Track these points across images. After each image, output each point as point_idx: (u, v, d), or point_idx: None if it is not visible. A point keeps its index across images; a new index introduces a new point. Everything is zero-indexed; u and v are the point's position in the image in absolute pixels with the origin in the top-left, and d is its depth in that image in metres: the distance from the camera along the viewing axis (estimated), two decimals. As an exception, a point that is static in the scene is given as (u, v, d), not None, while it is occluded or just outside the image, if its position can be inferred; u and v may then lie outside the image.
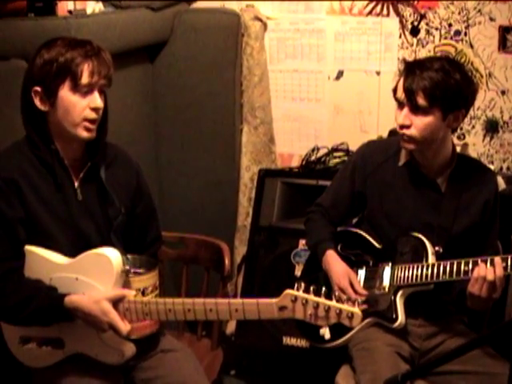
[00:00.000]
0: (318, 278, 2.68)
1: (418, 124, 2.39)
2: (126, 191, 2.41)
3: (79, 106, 2.16)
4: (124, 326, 2.11)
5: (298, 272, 3.25)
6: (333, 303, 1.96)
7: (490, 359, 2.41)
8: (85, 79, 2.14)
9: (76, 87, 2.15)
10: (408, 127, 2.41)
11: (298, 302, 1.98)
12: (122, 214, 2.37)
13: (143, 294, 2.23)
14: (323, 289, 1.99)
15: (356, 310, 1.95)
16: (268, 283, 3.46)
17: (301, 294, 1.99)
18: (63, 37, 2.24)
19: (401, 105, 2.43)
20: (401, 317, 2.46)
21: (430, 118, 2.38)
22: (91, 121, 2.19)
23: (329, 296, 1.99)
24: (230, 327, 3.73)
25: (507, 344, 1.72)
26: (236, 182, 3.87)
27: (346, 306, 1.95)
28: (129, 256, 2.33)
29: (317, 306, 1.96)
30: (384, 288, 2.53)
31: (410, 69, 2.41)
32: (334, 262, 2.62)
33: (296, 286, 1.99)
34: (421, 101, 2.35)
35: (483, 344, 1.48)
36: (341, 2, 3.70)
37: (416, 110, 2.38)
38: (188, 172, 3.84)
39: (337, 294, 2.00)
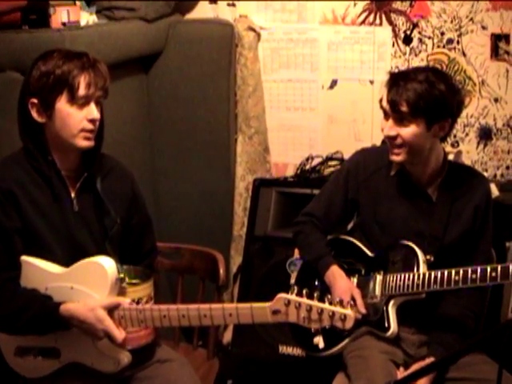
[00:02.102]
0: (311, 286, 2.68)
1: (403, 134, 2.41)
2: (121, 202, 2.42)
3: (76, 118, 2.18)
4: (119, 334, 2.11)
5: (292, 280, 3.25)
6: (326, 306, 1.98)
7: (485, 366, 2.41)
8: (82, 91, 2.16)
9: (73, 99, 2.16)
10: (394, 138, 2.43)
11: (291, 305, 2.00)
12: (118, 224, 2.39)
13: (137, 304, 2.24)
14: (316, 292, 2.00)
15: (349, 311, 1.96)
16: (264, 292, 3.42)
17: (294, 297, 2.00)
18: (60, 49, 2.26)
19: (386, 115, 2.46)
20: (393, 326, 2.48)
21: (414, 127, 2.40)
22: (89, 131, 2.21)
23: (322, 299, 2.00)
24: (227, 336, 3.73)
25: (497, 348, 1.73)
26: (231, 192, 3.87)
27: (338, 309, 1.96)
28: (124, 266, 2.33)
29: (310, 308, 1.97)
30: (376, 297, 2.54)
31: (395, 80, 2.43)
32: (338, 277, 2.62)
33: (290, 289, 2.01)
34: (404, 111, 2.37)
35: (474, 350, 1.48)
36: (334, 11, 3.71)
37: (400, 120, 2.40)
38: (183, 182, 3.85)
39: (329, 296, 2.00)
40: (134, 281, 2.32)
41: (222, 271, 2.78)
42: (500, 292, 3.26)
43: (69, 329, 2.17)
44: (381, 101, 2.50)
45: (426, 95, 2.36)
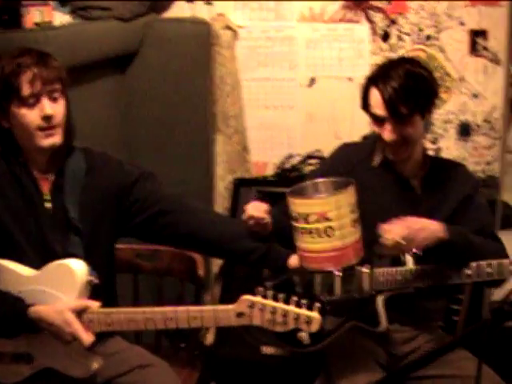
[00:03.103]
0: (287, 280, 2.66)
1: (407, 134, 2.38)
2: (109, 197, 2.37)
3: (30, 118, 2.14)
4: (87, 337, 2.08)
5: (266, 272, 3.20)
6: (290, 308, 1.96)
7: (467, 362, 2.39)
8: (26, 90, 2.11)
9: (20, 100, 2.12)
10: (398, 141, 2.40)
11: (255, 307, 1.98)
12: (90, 224, 2.33)
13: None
14: (282, 294, 1.98)
15: (314, 314, 1.95)
16: (245, 292, 3.41)
17: (258, 299, 1.98)
18: (8, 51, 2.20)
19: (380, 120, 2.41)
20: (384, 321, 2.44)
21: (414, 124, 2.38)
22: (46, 128, 2.15)
23: (287, 301, 1.98)
24: (209, 338, 3.69)
25: (477, 345, 1.71)
26: (211, 192, 3.84)
27: (304, 311, 1.95)
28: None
29: (274, 311, 1.95)
30: (364, 292, 2.51)
31: (376, 82, 2.40)
32: None
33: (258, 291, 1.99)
34: (403, 111, 2.34)
35: (454, 348, 1.47)
36: (311, 9, 3.69)
37: (400, 121, 2.37)
38: (162, 183, 3.79)
39: (295, 298, 1.97)
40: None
41: (200, 273, 2.75)
42: (481, 295, 3.27)
43: (38, 332, 2.13)
44: (366, 106, 2.47)
45: (417, 89, 2.35)
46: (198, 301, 2.82)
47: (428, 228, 2.27)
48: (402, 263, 2.44)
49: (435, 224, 2.29)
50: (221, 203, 3.81)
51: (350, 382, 2.32)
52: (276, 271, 2.43)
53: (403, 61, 2.51)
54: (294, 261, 2.29)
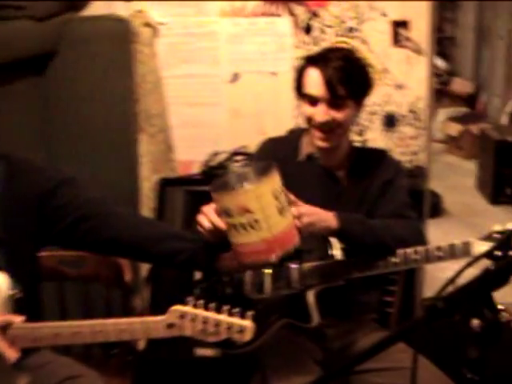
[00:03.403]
0: (216, 282, 2.61)
1: (339, 117, 2.37)
2: (28, 203, 2.26)
3: None
4: (12, 354, 1.99)
5: (197, 275, 3.14)
6: (222, 317, 1.91)
7: (404, 354, 2.37)
8: None
9: None
10: (327, 123, 2.37)
11: (186, 318, 1.92)
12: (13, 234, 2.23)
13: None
14: (214, 303, 1.93)
15: (247, 323, 1.90)
16: (176, 294, 3.34)
17: (189, 309, 1.92)
18: None
19: (314, 101, 2.38)
20: (315, 317, 2.41)
21: (348, 109, 2.37)
22: None
23: (219, 310, 1.93)
24: (142, 342, 3.62)
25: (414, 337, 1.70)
26: (137, 194, 3.75)
27: (236, 320, 1.90)
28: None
29: (206, 321, 1.90)
30: (294, 288, 2.47)
31: (316, 62, 2.38)
32: None
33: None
34: (341, 92, 2.32)
35: (395, 342, 1.44)
36: (233, 2, 3.64)
37: (335, 103, 2.35)
38: (85, 188, 3.69)
39: (225, 308, 1.92)
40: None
41: (127, 278, 2.68)
42: (411, 285, 3.28)
43: None
44: (299, 87, 2.44)
45: (355, 73, 2.36)
46: (126, 307, 2.76)
47: (319, 218, 2.24)
48: (331, 257, 2.41)
49: (328, 214, 2.26)
50: (147, 204, 3.73)
51: (286, 383, 2.27)
52: (206, 272, 2.37)
53: (340, 48, 2.56)
54: (224, 260, 2.22)
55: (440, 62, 10.51)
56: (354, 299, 2.56)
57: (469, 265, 1.31)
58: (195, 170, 3.80)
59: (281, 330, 2.47)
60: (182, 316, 1.92)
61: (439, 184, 6.55)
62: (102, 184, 3.63)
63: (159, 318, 1.95)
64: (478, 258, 1.35)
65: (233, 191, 2.04)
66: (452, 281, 1.33)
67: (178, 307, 1.93)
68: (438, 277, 3.01)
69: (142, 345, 3.61)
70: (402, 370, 2.31)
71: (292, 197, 2.13)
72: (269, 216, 2.00)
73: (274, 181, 2.04)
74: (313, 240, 2.44)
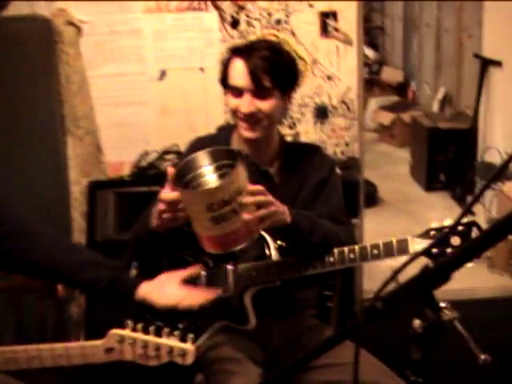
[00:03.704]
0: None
1: (265, 108, 2.31)
2: None
3: None
4: None
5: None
6: (163, 341, 1.85)
7: (345, 350, 2.33)
8: None
9: None
10: (253, 114, 2.31)
11: (125, 342, 1.86)
12: None
13: None
14: (153, 325, 1.87)
15: (188, 346, 1.85)
16: (112, 300, 3.28)
17: (127, 333, 1.86)
18: None
19: (239, 93, 2.32)
20: (252, 318, 2.37)
21: (274, 99, 2.31)
22: None
23: (159, 333, 1.87)
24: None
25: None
26: (67, 198, 3.65)
27: (177, 343, 1.85)
28: None
29: (146, 345, 1.84)
30: (230, 290, 2.42)
31: (241, 52, 2.32)
32: None
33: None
34: (266, 84, 2.27)
35: (334, 344, 1.40)
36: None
37: (260, 94, 2.29)
38: (12, 194, 3.58)
39: (167, 330, 1.86)
40: None
41: (59, 287, 2.58)
42: (351, 280, 3.27)
43: None
44: (224, 79, 2.38)
45: (281, 64, 2.30)
46: (60, 317, 2.68)
47: (277, 209, 2.17)
48: (267, 257, 2.36)
49: (283, 206, 2.20)
50: (78, 209, 3.63)
51: (226, 384, 2.22)
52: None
53: (266, 40, 2.55)
54: (142, 291, 2.14)
55: (369, 52, 10.58)
56: (292, 296, 2.51)
57: (406, 264, 1.27)
58: (126, 171, 3.72)
59: (219, 332, 2.43)
60: (121, 340, 1.86)
61: (373, 173, 6.59)
62: (31, 191, 3.54)
63: (97, 342, 1.89)
64: (415, 257, 1.31)
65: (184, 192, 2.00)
66: (390, 280, 1.29)
67: (117, 331, 1.87)
68: (376, 266, 2.98)
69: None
70: (346, 366, 2.27)
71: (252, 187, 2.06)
72: (222, 218, 1.97)
73: (228, 187, 1.97)
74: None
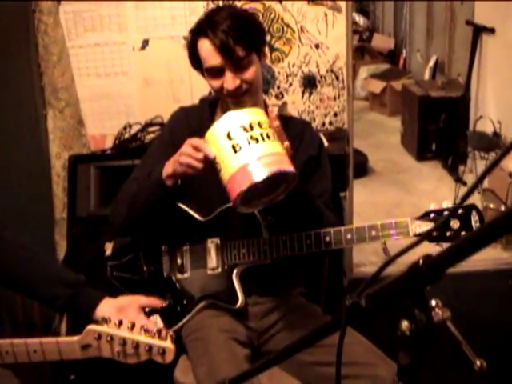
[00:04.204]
0: (133, 259, 2.47)
1: (247, 77, 2.22)
2: None
3: None
4: None
5: (108, 250, 2.95)
6: (142, 338, 1.79)
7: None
8: None
9: None
10: (240, 87, 2.22)
11: (102, 339, 1.79)
12: None
13: None
14: (131, 322, 1.80)
15: (168, 344, 1.80)
16: (94, 277, 3.19)
17: (105, 329, 1.79)
18: None
19: (218, 72, 2.21)
20: (241, 296, 2.30)
21: (253, 65, 2.22)
22: None
23: (133, 328, 1.81)
24: (63, 331, 3.47)
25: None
26: (47, 173, 3.57)
27: (156, 341, 1.79)
28: None
29: (124, 342, 1.77)
30: (217, 268, 2.34)
31: (203, 31, 2.20)
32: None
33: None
34: (240, 53, 2.17)
35: (335, 329, 1.31)
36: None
37: (238, 66, 2.19)
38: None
39: (147, 326, 1.79)
40: None
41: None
42: (340, 258, 3.21)
43: None
44: (197, 63, 2.28)
45: (246, 26, 2.20)
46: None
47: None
48: (257, 233, 2.28)
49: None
50: (59, 183, 3.55)
51: (209, 368, 2.15)
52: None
53: (222, 7, 2.42)
54: (100, 312, 2.06)
55: (360, 19, 10.46)
56: (280, 274, 2.44)
57: (398, 255, 1.18)
58: (109, 144, 3.62)
59: (204, 311, 2.36)
60: (99, 336, 1.79)
61: (364, 143, 6.52)
62: (12, 166, 3.45)
63: (74, 338, 1.83)
64: (409, 248, 1.20)
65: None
66: (379, 273, 1.20)
67: (94, 327, 1.81)
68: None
69: (63, 333, 3.47)
70: (335, 347, 2.20)
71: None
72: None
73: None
74: (236, 213, 2.30)
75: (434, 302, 1.16)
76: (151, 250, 2.45)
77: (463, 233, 2.12)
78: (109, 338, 1.79)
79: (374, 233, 2.18)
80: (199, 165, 2.01)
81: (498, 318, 3.37)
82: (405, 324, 1.16)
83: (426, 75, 7.62)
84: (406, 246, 1.18)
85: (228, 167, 1.87)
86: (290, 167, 1.87)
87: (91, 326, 1.81)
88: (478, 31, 5.56)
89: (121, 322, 1.81)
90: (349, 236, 2.19)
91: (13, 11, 3.34)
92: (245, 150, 1.86)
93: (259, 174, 1.81)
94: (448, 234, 2.13)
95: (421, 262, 1.09)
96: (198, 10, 3.45)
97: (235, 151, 1.86)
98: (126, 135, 3.48)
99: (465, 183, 5.43)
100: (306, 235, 2.22)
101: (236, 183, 1.85)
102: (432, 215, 2.16)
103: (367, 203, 5.08)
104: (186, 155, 2.03)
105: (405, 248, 1.18)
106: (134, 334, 1.80)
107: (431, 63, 7.58)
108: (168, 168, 2.15)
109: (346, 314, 1.20)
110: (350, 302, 1.21)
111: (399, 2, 9.47)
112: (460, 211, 2.13)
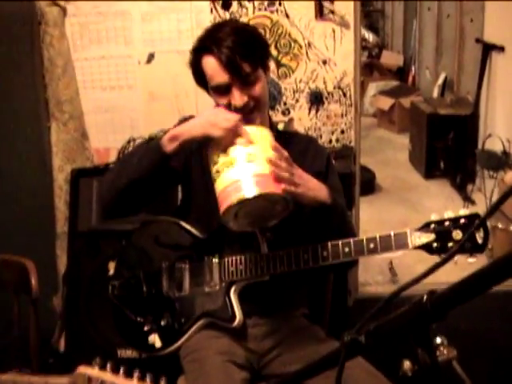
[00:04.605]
0: (133, 278, 2.42)
1: (255, 93, 2.18)
2: None
3: None
4: None
5: (111, 270, 2.91)
6: (134, 383, 1.72)
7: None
8: None
9: None
10: (248, 103, 2.17)
11: (92, 383, 1.73)
12: None
13: None
14: (123, 366, 1.74)
15: None
16: (93, 292, 3.17)
17: (95, 372, 1.72)
18: None
19: (225, 89, 2.17)
20: (238, 314, 2.24)
21: (260, 80, 2.19)
22: None
23: (129, 373, 1.74)
24: (62, 344, 3.43)
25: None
26: (50, 186, 3.55)
27: None
28: None
29: None
30: (215, 284, 2.29)
31: (208, 49, 2.17)
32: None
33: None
34: (247, 69, 2.13)
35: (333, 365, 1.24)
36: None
37: (245, 82, 2.15)
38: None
39: (137, 373, 1.74)
40: None
41: (33, 281, 2.47)
42: (345, 280, 3.16)
43: None
44: (203, 81, 2.24)
45: (251, 41, 2.17)
46: (35, 314, 2.56)
47: (316, 187, 2.11)
48: (255, 249, 2.23)
49: (322, 185, 2.14)
50: (62, 197, 3.53)
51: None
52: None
53: (224, 22, 2.41)
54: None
55: (369, 36, 10.44)
56: (281, 294, 2.38)
57: (399, 292, 1.10)
58: (113, 157, 3.60)
59: (202, 331, 2.30)
60: (88, 380, 1.73)
61: (371, 159, 6.47)
62: (15, 178, 3.45)
63: (63, 380, 1.78)
64: (414, 283, 1.12)
65: None
66: (378, 311, 1.14)
67: (84, 369, 1.74)
68: (372, 256, 2.88)
69: (62, 346, 3.43)
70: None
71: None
72: None
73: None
74: (235, 231, 2.26)
75: (439, 340, 1.08)
76: (151, 269, 2.41)
77: (466, 243, 2.03)
78: (99, 382, 1.73)
79: (372, 245, 2.10)
80: (218, 132, 2.02)
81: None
82: (407, 364, 1.10)
83: (435, 93, 7.59)
84: (414, 277, 1.11)
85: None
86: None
87: (81, 369, 1.75)
88: (488, 49, 5.53)
89: (115, 366, 1.75)
90: (346, 249, 2.12)
91: (19, 22, 3.34)
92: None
93: (250, 191, 1.85)
94: (450, 245, 2.06)
95: (425, 298, 1.02)
96: (205, 24, 3.41)
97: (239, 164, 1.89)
98: (130, 149, 3.45)
99: (473, 202, 5.37)
100: (303, 250, 2.16)
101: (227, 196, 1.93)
102: (432, 226, 2.10)
103: (374, 221, 5.03)
104: (218, 115, 2.06)
105: (409, 282, 1.11)
106: (126, 378, 1.73)
107: (440, 81, 7.55)
108: (175, 130, 2.14)
109: (344, 351, 1.14)
110: (348, 339, 1.14)
111: (409, 19, 9.45)
112: (462, 221, 2.06)
